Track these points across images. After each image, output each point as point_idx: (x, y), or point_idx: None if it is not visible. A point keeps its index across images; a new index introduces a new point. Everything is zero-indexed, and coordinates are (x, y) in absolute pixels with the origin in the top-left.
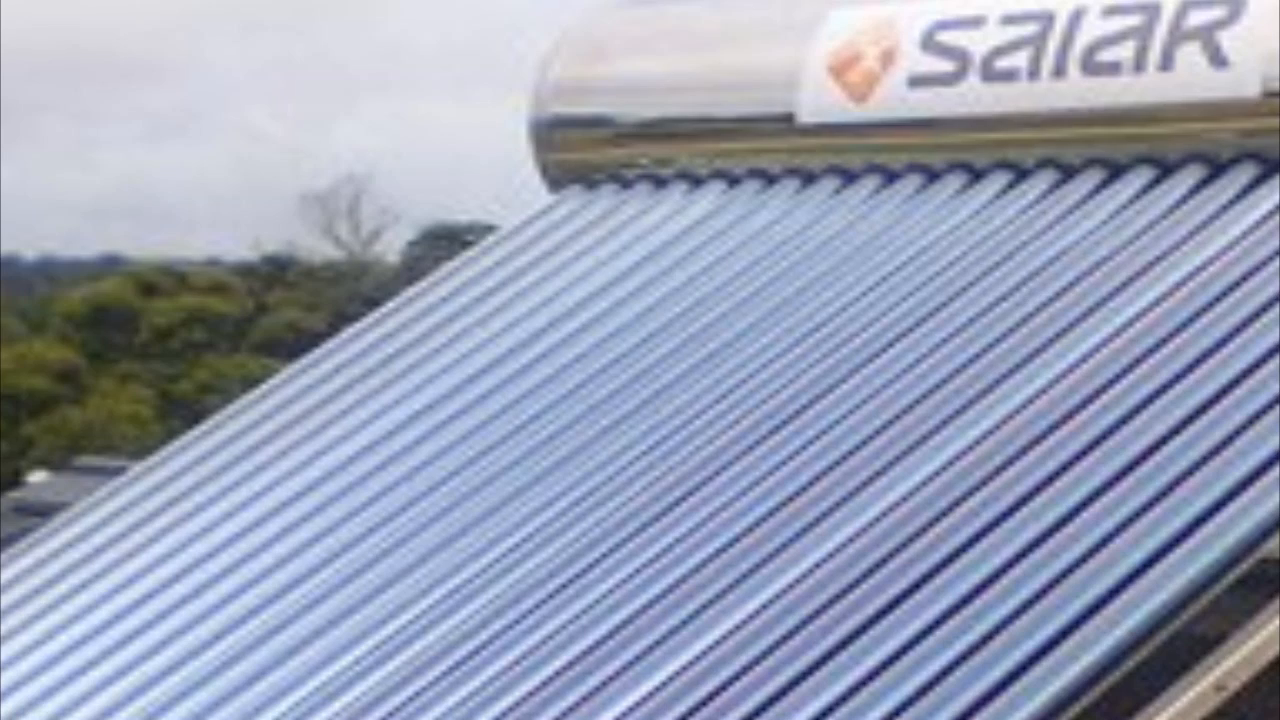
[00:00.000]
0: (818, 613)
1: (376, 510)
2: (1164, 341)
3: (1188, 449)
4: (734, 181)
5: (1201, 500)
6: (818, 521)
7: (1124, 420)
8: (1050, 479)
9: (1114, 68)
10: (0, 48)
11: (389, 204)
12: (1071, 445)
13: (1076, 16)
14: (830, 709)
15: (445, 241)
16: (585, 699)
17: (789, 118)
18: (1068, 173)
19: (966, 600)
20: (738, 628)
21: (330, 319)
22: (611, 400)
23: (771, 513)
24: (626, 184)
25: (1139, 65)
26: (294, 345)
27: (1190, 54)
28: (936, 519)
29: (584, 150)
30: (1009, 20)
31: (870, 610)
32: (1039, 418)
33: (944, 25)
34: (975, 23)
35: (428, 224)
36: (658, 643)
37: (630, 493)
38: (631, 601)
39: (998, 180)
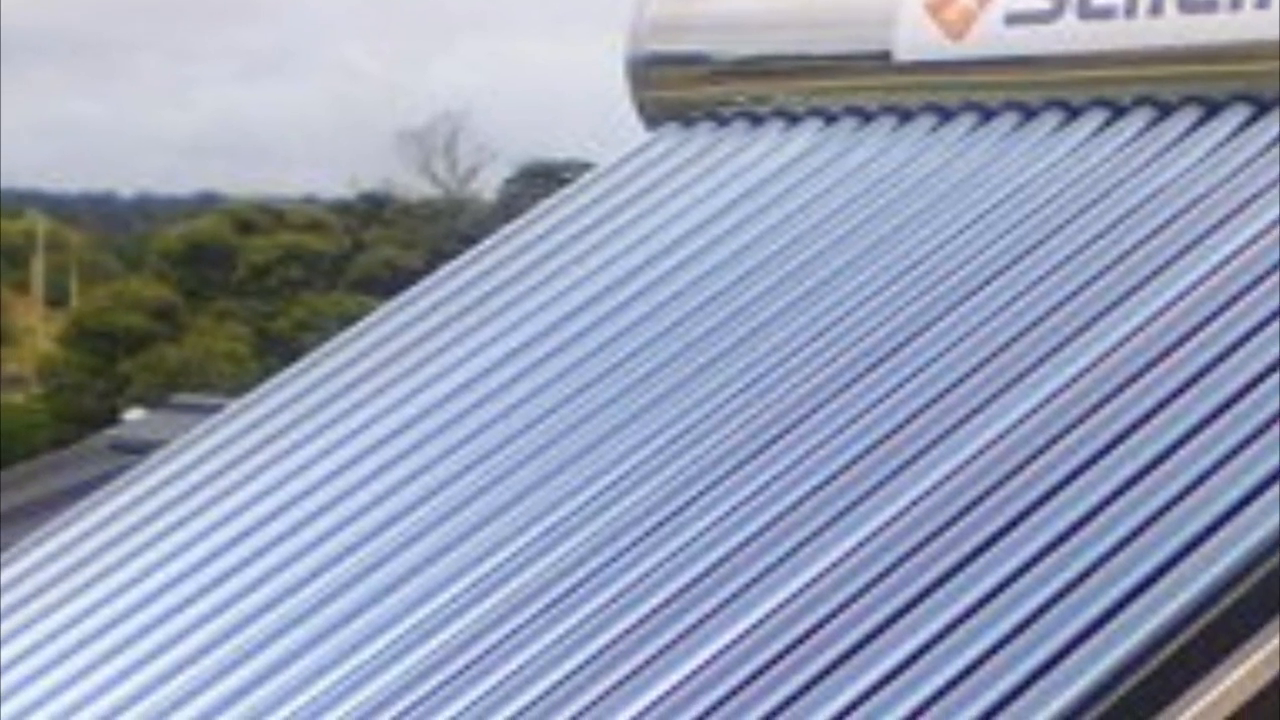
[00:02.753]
0: (914, 550)
1: (473, 448)
2: (1261, 278)
3: None
4: (830, 119)
5: None
6: (915, 459)
7: (1221, 357)
8: (1148, 416)
9: (1210, 5)
10: None
11: (486, 141)
12: (1169, 382)
13: None
14: (927, 646)
15: (542, 179)
16: (682, 636)
17: (886, 55)
18: (1164, 110)
19: (1063, 538)
20: (834, 565)
21: (427, 256)
22: (708, 338)
23: (868, 450)
24: (723, 121)
25: (1235, 2)
26: (390, 283)
27: None
28: (1034, 456)
29: (681, 88)
30: None
31: (967, 547)
32: (1136, 355)
33: None
34: None
35: (524, 161)
36: (754, 580)
37: (727, 430)
38: (728, 539)
39: (1094, 118)
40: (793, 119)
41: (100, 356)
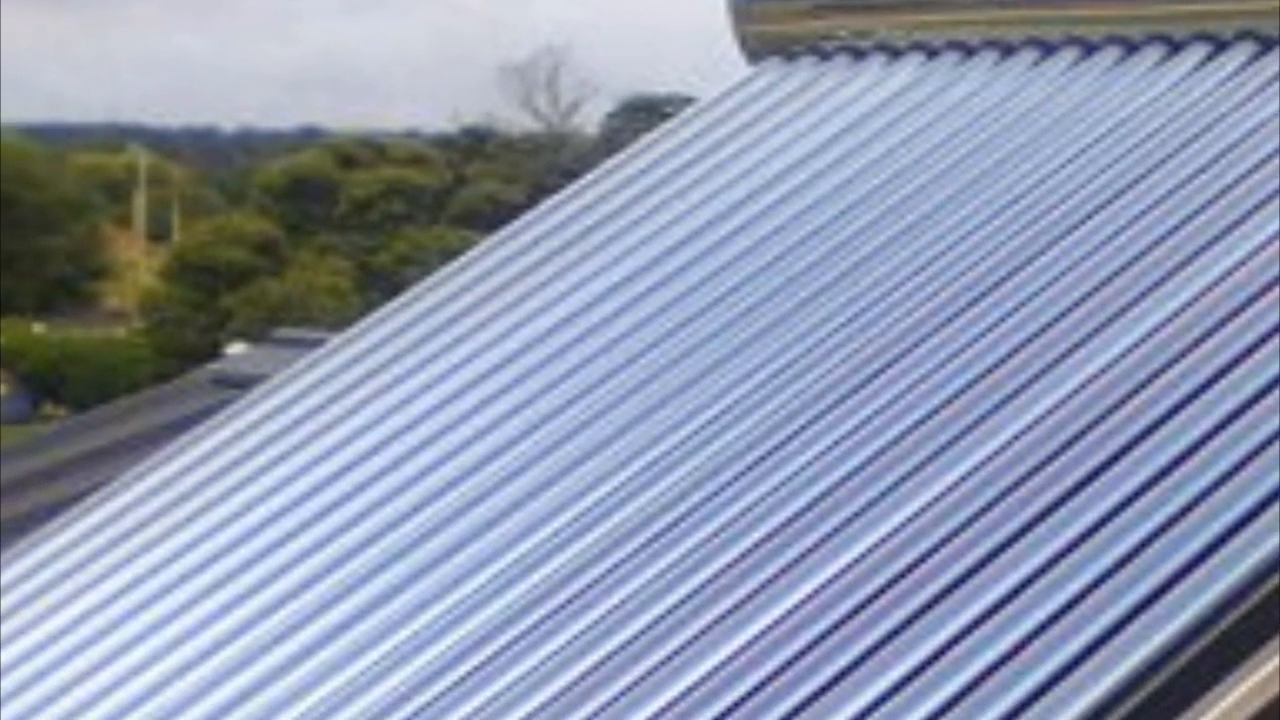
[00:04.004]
0: (1016, 485)
1: (575, 382)
2: None
3: None
4: (932, 53)
5: None
6: (1016, 394)
7: None
8: (1249, 350)
9: None
10: None
11: (588, 75)
12: (1271, 317)
13: None
14: (1029, 581)
15: (644, 113)
16: (784, 571)
17: None
18: (1266, 45)
19: (1165, 472)
20: (936, 500)
21: (529, 191)
22: (810, 272)
23: (970, 385)
24: (825, 56)
25: None
26: (492, 217)
27: None
28: (1135, 391)
29: (783, 22)
30: None
31: (1069, 483)
32: (1238, 289)
33: None
34: None
35: (626, 96)
36: (856, 515)
37: (829, 365)
38: (830, 474)
39: (1196, 52)
40: (894, 53)
41: (202, 291)
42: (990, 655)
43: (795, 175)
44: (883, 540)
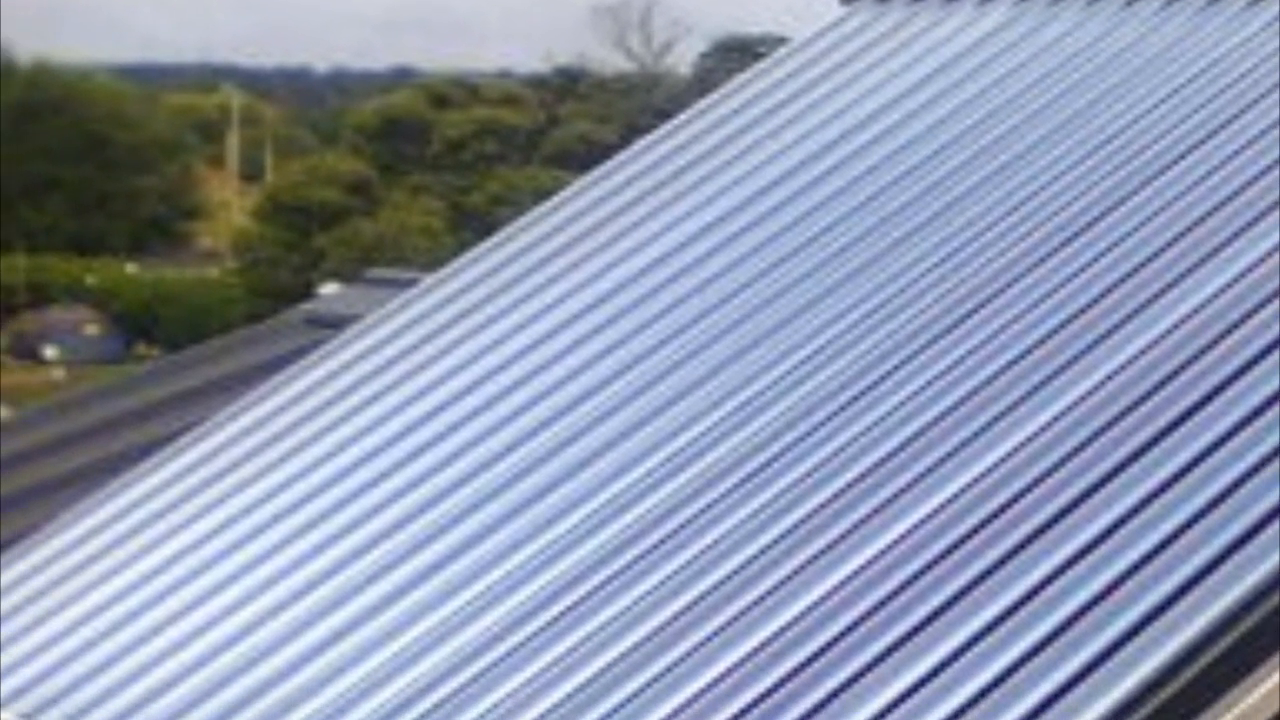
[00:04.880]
0: (1109, 425)
1: (668, 323)
2: None
3: None
4: None
5: None
6: (1110, 334)
7: None
8: None
9: None
10: None
11: (681, 15)
12: None
13: None
14: (1123, 521)
15: (737, 54)
16: (876, 512)
17: None
18: None
19: (1259, 411)
20: (1029, 441)
21: (622, 131)
22: (903, 213)
23: (1063, 325)
24: None
25: None
26: (585, 157)
27: None
28: (1228, 331)
29: None
30: None
31: (1162, 423)
32: None
33: None
34: None
35: (720, 36)
36: (949, 455)
37: (921, 305)
38: (923, 414)
39: None
40: None
41: (295, 231)
42: (1083, 595)
43: (888, 115)
44: (975, 481)
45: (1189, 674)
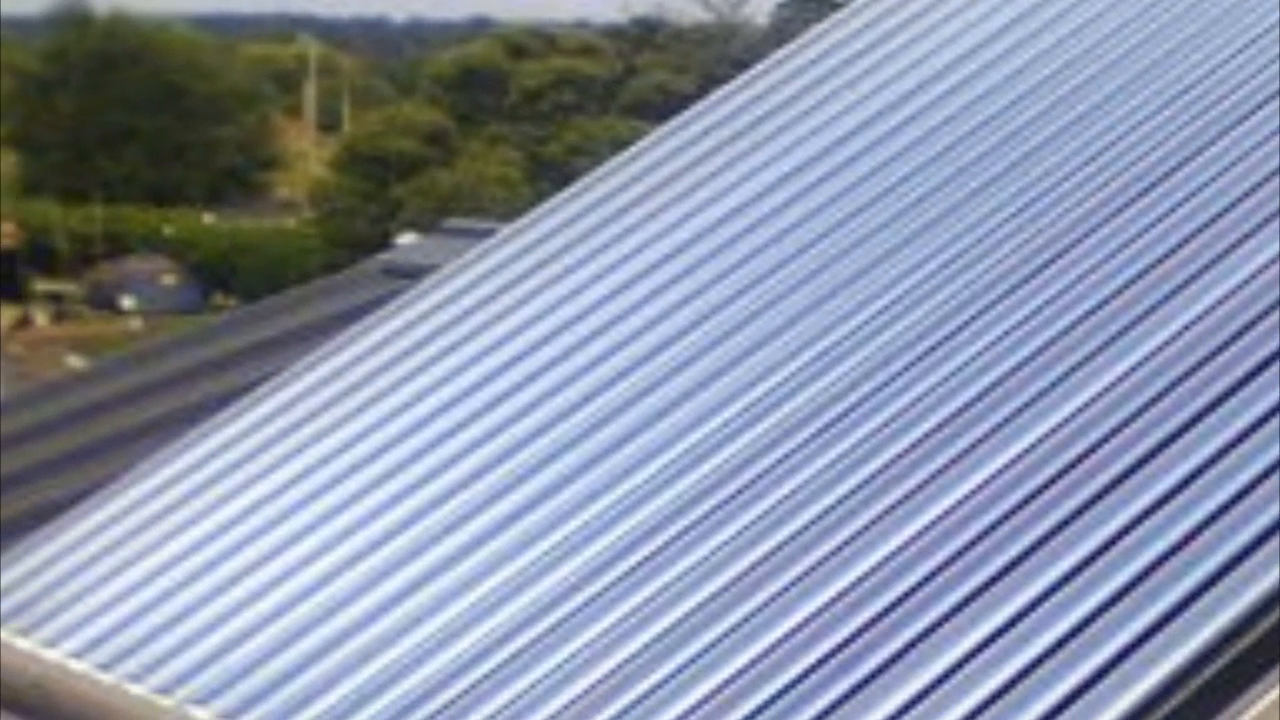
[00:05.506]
0: (1186, 376)
1: (745, 273)
2: None
3: None
4: None
5: None
6: (1187, 284)
7: None
8: None
9: None
10: None
11: None
12: None
13: None
14: (1200, 471)
15: (814, 3)
16: (954, 461)
17: None
18: None
19: None
20: (1107, 391)
21: (699, 81)
22: (980, 163)
23: (1141, 275)
24: None
25: None
26: (663, 107)
27: None
28: None
29: None
30: None
31: (1239, 373)
32: None
33: None
34: None
35: None
36: (1027, 405)
37: (999, 255)
38: (1000, 364)
39: None
40: None
41: (372, 181)
42: (1160, 546)
43: (965, 66)
44: (1053, 431)
45: (1266, 624)
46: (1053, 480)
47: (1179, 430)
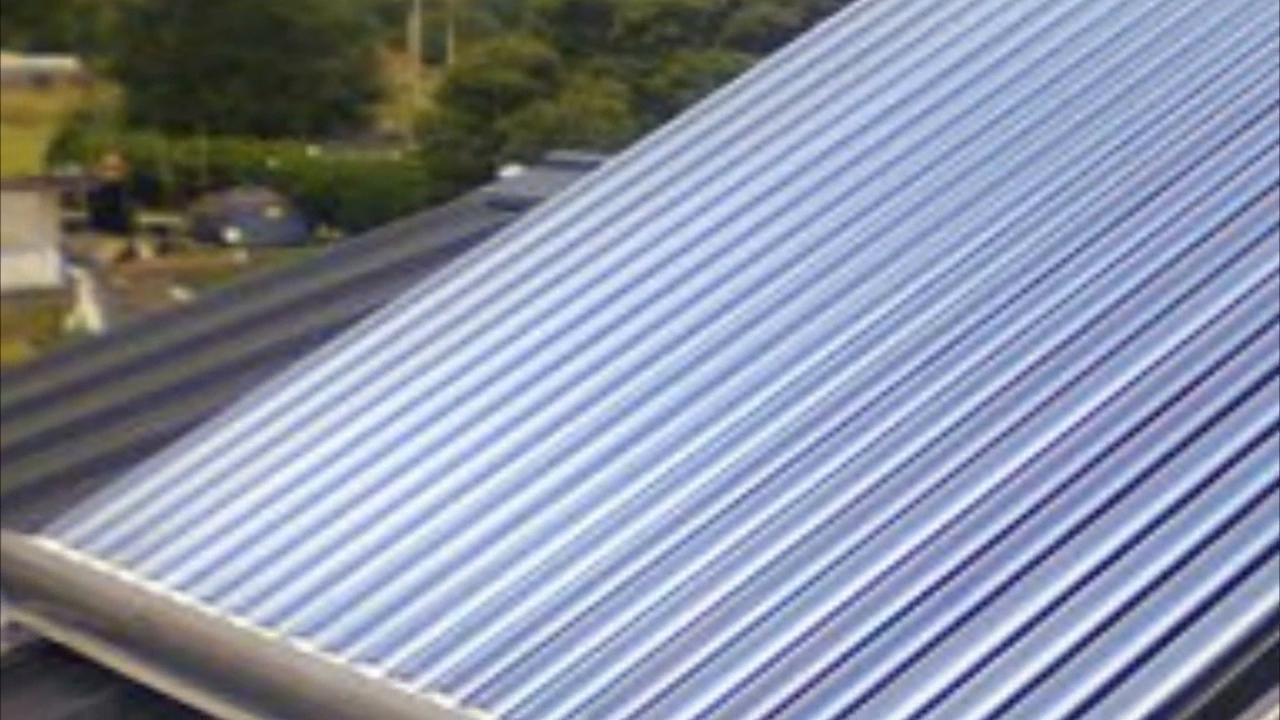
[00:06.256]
0: None
1: (849, 204)
2: None
3: None
4: None
5: None
6: None
7: None
8: None
9: None
10: None
11: None
12: None
13: None
14: None
15: None
16: (1058, 395)
17: None
18: None
19: None
20: (1212, 322)
21: (804, 14)
22: (1085, 95)
23: (1246, 208)
24: None
25: None
26: (767, 40)
27: None
28: None
29: None
30: None
31: None
32: None
33: None
34: None
35: None
36: (1132, 338)
37: (1104, 188)
38: (1105, 297)
39: None
40: None
41: (477, 114)
42: (1266, 478)
43: None
44: (1158, 364)
45: None
46: (1157, 413)
47: None
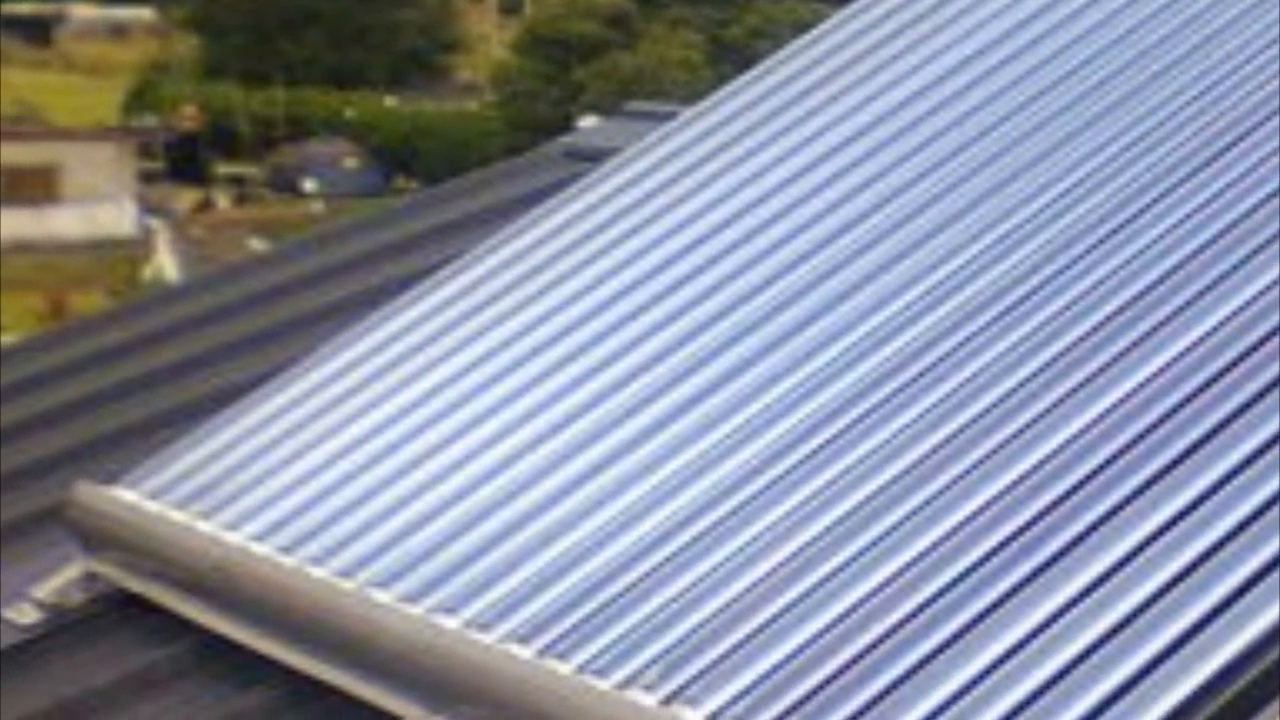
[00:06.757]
0: None
1: (927, 155)
2: None
3: None
4: None
5: None
6: None
7: None
8: None
9: None
10: None
11: None
12: None
13: None
14: None
15: None
16: (1135, 345)
17: None
18: None
19: None
20: None
21: None
22: (1161, 46)
23: None
24: None
25: None
26: None
27: None
28: None
29: None
30: None
31: None
32: None
33: None
34: None
35: None
36: (1208, 288)
37: (1181, 138)
38: (1182, 248)
39: None
40: None
41: (554, 64)
42: None
43: None
44: (1235, 313)
45: None
46: (1235, 362)
47: None
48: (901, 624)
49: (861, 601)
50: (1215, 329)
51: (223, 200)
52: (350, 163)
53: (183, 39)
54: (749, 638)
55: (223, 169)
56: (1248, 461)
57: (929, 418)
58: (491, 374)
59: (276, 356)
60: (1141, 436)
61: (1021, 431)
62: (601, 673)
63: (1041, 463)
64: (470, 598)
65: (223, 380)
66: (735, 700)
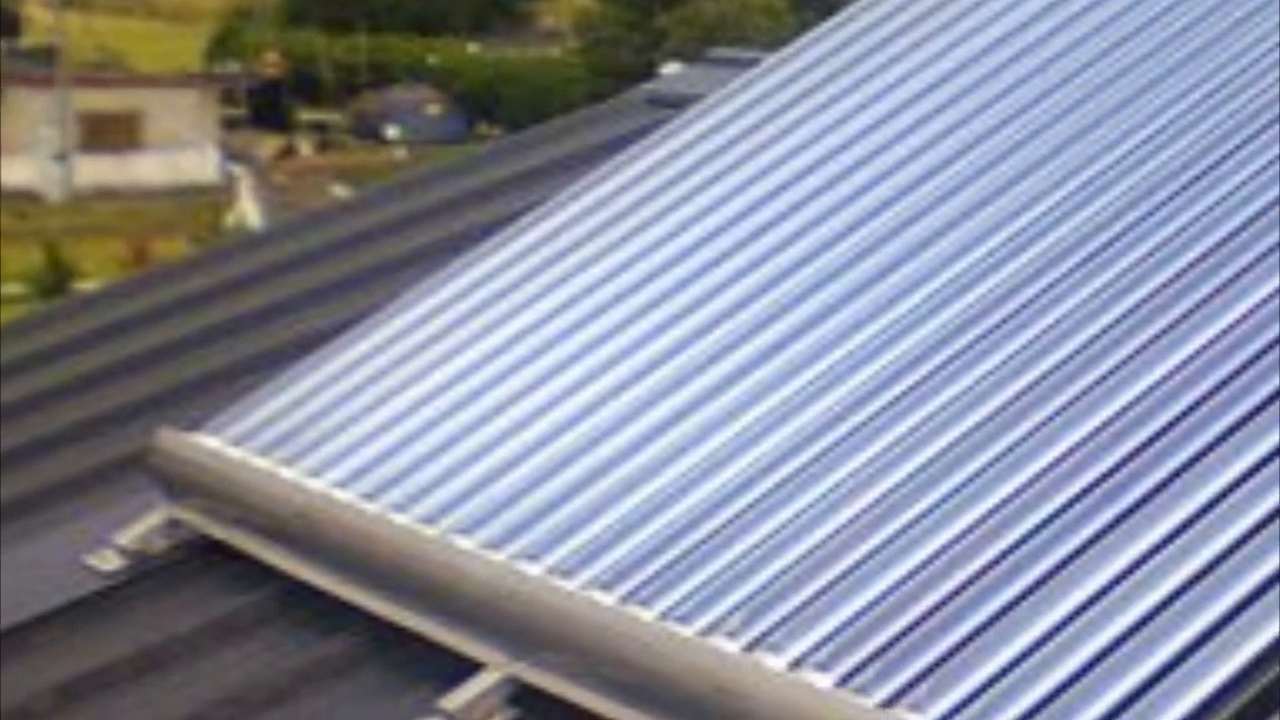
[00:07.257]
0: None
1: (1009, 102)
2: None
3: None
4: None
5: None
6: None
7: None
8: None
9: None
10: None
11: None
12: None
13: None
14: None
15: None
16: (1218, 291)
17: None
18: None
19: None
20: None
21: None
22: None
23: None
24: None
25: None
26: None
27: None
28: None
29: None
30: None
31: None
32: None
33: None
34: None
35: None
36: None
37: (1264, 84)
38: (1266, 193)
39: None
40: None
41: (637, 10)
42: None
43: None
44: None
45: None
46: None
47: None
48: (984, 571)
49: (944, 548)
50: (1267, 298)
51: (305, 147)
52: (433, 109)
53: None
54: (831, 585)
55: (305, 115)
56: None
57: (1012, 364)
58: (574, 320)
59: (360, 303)
60: (1225, 382)
61: (1105, 377)
62: (684, 619)
63: (1125, 409)
64: (553, 544)
65: (305, 327)
66: (818, 647)
